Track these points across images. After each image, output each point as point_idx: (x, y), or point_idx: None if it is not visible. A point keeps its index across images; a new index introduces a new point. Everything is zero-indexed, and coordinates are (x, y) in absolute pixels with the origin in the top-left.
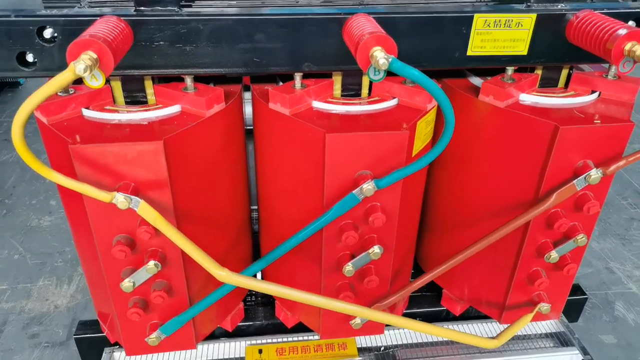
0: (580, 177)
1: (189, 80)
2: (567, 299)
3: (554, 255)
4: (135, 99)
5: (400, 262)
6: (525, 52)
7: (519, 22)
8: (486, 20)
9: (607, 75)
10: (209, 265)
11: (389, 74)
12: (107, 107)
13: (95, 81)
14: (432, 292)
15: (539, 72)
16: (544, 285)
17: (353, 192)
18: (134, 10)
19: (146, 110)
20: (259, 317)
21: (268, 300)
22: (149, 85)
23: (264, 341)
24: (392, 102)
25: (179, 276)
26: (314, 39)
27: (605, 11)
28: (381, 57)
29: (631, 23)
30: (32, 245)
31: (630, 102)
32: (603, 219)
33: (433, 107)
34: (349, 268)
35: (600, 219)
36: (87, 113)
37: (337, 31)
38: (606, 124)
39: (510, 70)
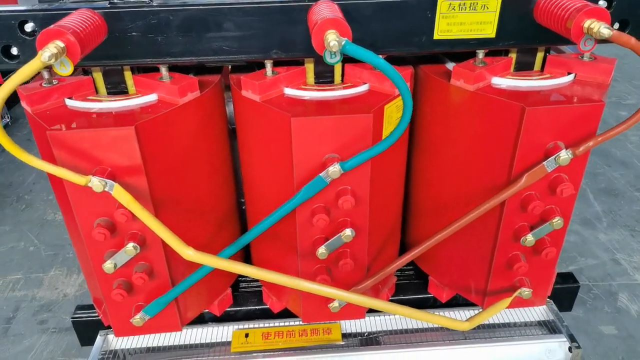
0: (550, 158)
1: (164, 70)
2: (559, 287)
3: (529, 238)
4: (117, 89)
5: (379, 246)
6: (493, 35)
7: (485, 5)
8: (450, 4)
9: (582, 57)
10: (176, 244)
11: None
12: (90, 97)
13: (64, 69)
14: (420, 279)
15: (512, 55)
16: (522, 270)
17: (320, 174)
18: (108, 3)
19: (125, 99)
20: (248, 302)
21: (258, 287)
22: (128, 76)
23: (251, 326)
24: (363, 88)
25: (159, 258)
26: (280, 27)
27: None
28: (333, 39)
29: (601, 3)
30: (47, 237)
31: (605, 82)
32: (613, 211)
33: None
34: (322, 251)
35: (609, 211)
36: (69, 102)
37: (303, 18)
38: (574, 104)
39: (480, 53)
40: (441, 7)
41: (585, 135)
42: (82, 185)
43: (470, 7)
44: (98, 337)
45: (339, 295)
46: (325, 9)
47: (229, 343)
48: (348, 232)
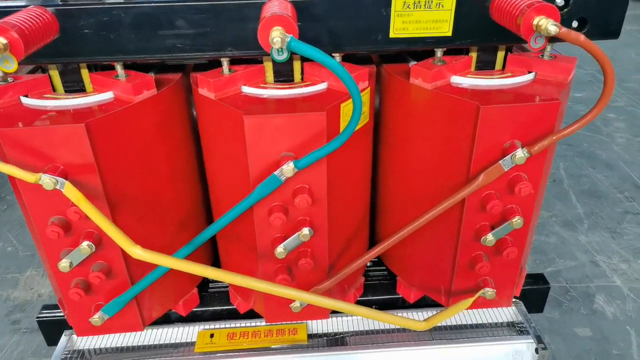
0: (507, 157)
1: (119, 68)
2: (529, 289)
3: (490, 238)
4: (75, 87)
5: (342, 245)
6: (449, 33)
7: (440, 3)
8: (405, 2)
9: (542, 56)
10: (124, 242)
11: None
12: (46, 95)
13: (8, 65)
14: (390, 280)
15: (473, 54)
16: (485, 270)
17: (274, 173)
18: (60, 0)
19: (79, 97)
20: (215, 303)
21: (225, 288)
22: (85, 74)
23: (217, 326)
24: (321, 86)
25: (116, 257)
26: (233, 24)
27: None
28: (276, 36)
29: (559, 1)
30: (26, 238)
31: (565, 81)
32: (595, 212)
33: (362, 90)
34: (280, 250)
35: (591, 212)
36: (24, 100)
37: (256, 15)
38: (529, 102)
39: (439, 52)
40: (396, 5)
41: (542, 134)
42: (32, 182)
43: (425, 5)
44: (62, 336)
45: (294, 295)
46: (275, 6)
47: (194, 343)
48: (306, 231)
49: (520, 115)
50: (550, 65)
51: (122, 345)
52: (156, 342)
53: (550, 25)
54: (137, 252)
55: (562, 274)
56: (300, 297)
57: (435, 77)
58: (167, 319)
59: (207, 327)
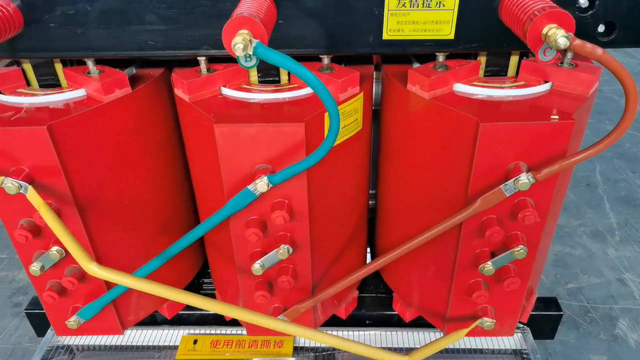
0: (509, 182)
1: (90, 64)
2: (539, 314)
3: (488, 267)
4: (48, 81)
5: (330, 260)
6: (451, 36)
7: (440, 2)
8: (400, 0)
9: (562, 63)
10: (80, 257)
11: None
12: (19, 90)
13: None
14: (386, 294)
15: (482, 58)
16: (483, 299)
17: (248, 187)
18: None
19: (50, 94)
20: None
21: (213, 291)
22: (59, 69)
23: (202, 332)
24: (307, 91)
25: None
26: (208, 20)
27: None
28: (239, 41)
29: (583, 1)
30: None
31: (585, 95)
32: (629, 224)
33: (351, 97)
34: (256, 266)
35: (625, 223)
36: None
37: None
38: (538, 121)
39: (440, 56)
40: (389, 3)
41: (553, 157)
42: None
43: (423, 4)
44: (49, 330)
45: (254, 320)
46: (247, 3)
47: (177, 347)
48: (284, 248)
49: (527, 134)
50: (569, 76)
51: (107, 344)
52: (140, 344)
53: (560, 37)
54: (93, 269)
55: (584, 291)
56: (260, 322)
57: (434, 85)
58: (153, 320)
59: (192, 331)
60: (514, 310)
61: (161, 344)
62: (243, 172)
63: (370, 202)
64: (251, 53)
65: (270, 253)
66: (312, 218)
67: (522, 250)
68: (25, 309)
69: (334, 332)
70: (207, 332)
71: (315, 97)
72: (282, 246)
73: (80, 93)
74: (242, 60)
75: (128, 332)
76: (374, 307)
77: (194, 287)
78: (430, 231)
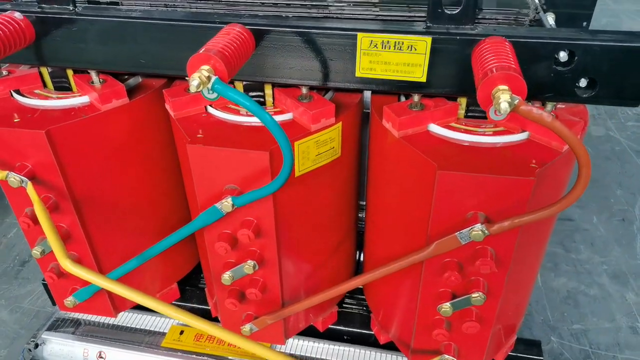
0: (464, 230)
1: (93, 74)
2: (517, 356)
3: (445, 307)
4: (61, 84)
5: (304, 277)
6: (423, 79)
7: (412, 45)
8: (372, 41)
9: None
10: (58, 252)
11: None
12: (36, 91)
13: None
14: (368, 312)
15: (462, 100)
16: (442, 337)
17: (215, 205)
18: (37, 7)
19: (58, 98)
20: (194, 299)
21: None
22: (69, 74)
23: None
24: (285, 117)
25: (84, 250)
26: (190, 47)
27: (522, 39)
28: (195, 77)
29: (563, 55)
30: None
31: (558, 149)
32: None
33: (325, 128)
34: (226, 277)
35: None
36: (16, 96)
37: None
38: (496, 174)
39: (416, 96)
40: (362, 42)
41: (513, 210)
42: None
43: (395, 46)
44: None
45: (209, 331)
46: (219, 37)
47: (164, 335)
48: (250, 263)
49: (486, 186)
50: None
51: (106, 322)
52: (134, 326)
53: (503, 102)
54: (67, 265)
55: (589, 334)
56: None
57: (404, 125)
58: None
59: (182, 322)
60: (478, 351)
61: (152, 329)
62: (214, 189)
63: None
64: (209, 88)
65: (239, 266)
66: (284, 237)
67: (479, 297)
68: (42, 280)
69: (308, 343)
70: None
71: (290, 123)
72: (248, 261)
73: (84, 100)
74: (204, 93)
75: (126, 314)
76: (353, 323)
77: (191, 280)
78: (394, 264)
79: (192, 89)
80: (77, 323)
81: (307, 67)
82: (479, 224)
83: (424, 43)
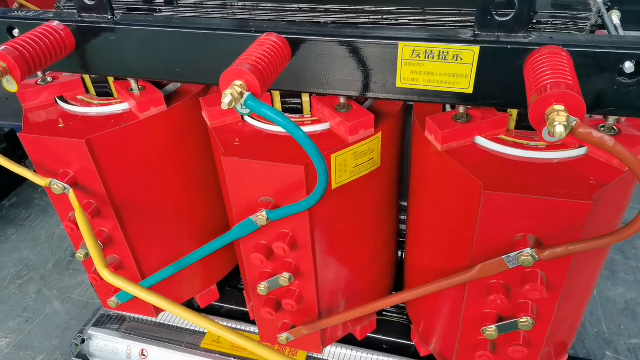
0: (512, 254)
1: (132, 82)
2: None
3: (490, 331)
4: (103, 90)
5: (342, 290)
6: (469, 91)
7: (457, 55)
8: (414, 50)
9: (602, 127)
10: (98, 262)
11: None
12: (79, 97)
13: (11, 86)
14: (408, 321)
15: (513, 111)
16: (485, 359)
17: (250, 217)
18: (77, 16)
19: (101, 105)
20: (233, 301)
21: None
22: (110, 80)
23: (229, 325)
24: (321, 127)
25: (126, 255)
26: (224, 56)
27: (581, 49)
28: (228, 94)
29: (629, 66)
30: None
31: (621, 168)
32: None
33: (363, 139)
34: (261, 287)
35: None
36: (60, 102)
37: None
38: (550, 196)
39: (461, 107)
40: (403, 52)
41: (567, 235)
42: (43, 186)
43: (439, 56)
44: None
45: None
46: (252, 49)
47: (204, 335)
48: (285, 275)
49: (537, 209)
50: None
51: (151, 320)
52: (176, 325)
53: (558, 125)
54: (106, 275)
55: None
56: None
57: (448, 138)
58: (190, 306)
59: (221, 323)
60: None
61: (193, 328)
62: (249, 200)
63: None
64: (242, 104)
65: (275, 277)
66: (321, 249)
67: (527, 323)
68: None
69: (346, 352)
70: (234, 326)
71: (327, 134)
72: (284, 274)
73: (123, 107)
74: (238, 108)
75: (170, 314)
76: (393, 333)
77: (231, 281)
78: (435, 284)
79: (224, 107)
80: (122, 319)
81: (345, 77)
82: (528, 249)
83: (471, 53)
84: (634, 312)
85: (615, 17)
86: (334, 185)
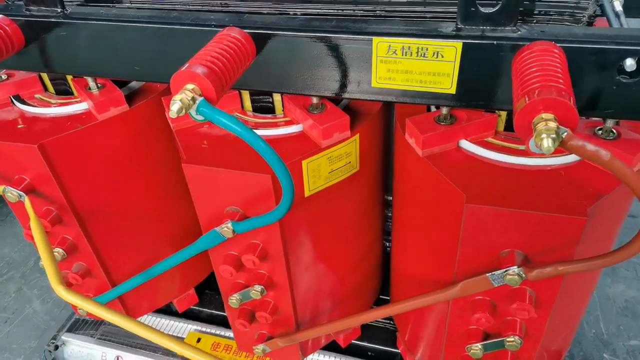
0: (497, 272)
1: (89, 80)
2: None
3: (475, 349)
4: (62, 88)
5: (321, 300)
6: (452, 91)
7: (438, 52)
8: (390, 46)
9: (600, 130)
10: (52, 277)
11: None
12: (37, 96)
13: None
14: (394, 328)
15: (502, 112)
16: None
17: (215, 229)
18: (25, 10)
19: (57, 105)
20: (212, 305)
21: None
22: (68, 78)
23: (209, 330)
24: (294, 129)
25: (93, 263)
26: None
27: (576, 44)
28: (177, 98)
29: (630, 63)
30: None
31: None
32: None
33: (338, 142)
34: (232, 300)
35: None
36: (16, 102)
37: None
38: (538, 210)
39: (444, 108)
40: (378, 48)
41: (558, 252)
42: None
43: (418, 52)
44: None
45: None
46: (210, 47)
47: (182, 339)
48: (257, 288)
49: (525, 224)
50: (607, 149)
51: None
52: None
53: (546, 139)
54: (60, 291)
55: None
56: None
57: (429, 143)
58: (169, 310)
59: (199, 328)
60: None
61: (171, 333)
62: (215, 210)
63: None
64: (194, 111)
65: (246, 290)
66: (295, 259)
67: (514, 343)
68: None
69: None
70: (213, 331)
71: (299, 137)
72: (255, 286)
73: (83, 107)
74: (192, 114)
75: (146, 317)
76: (377, 340)
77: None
78: (417, 300)
79: (172, 115)
80: (97, 323)
81: (315, 76)
82: (515, 267)
83: (452, 49)
84: (634, 312)
85: (617, 3)
86: (307, 193)
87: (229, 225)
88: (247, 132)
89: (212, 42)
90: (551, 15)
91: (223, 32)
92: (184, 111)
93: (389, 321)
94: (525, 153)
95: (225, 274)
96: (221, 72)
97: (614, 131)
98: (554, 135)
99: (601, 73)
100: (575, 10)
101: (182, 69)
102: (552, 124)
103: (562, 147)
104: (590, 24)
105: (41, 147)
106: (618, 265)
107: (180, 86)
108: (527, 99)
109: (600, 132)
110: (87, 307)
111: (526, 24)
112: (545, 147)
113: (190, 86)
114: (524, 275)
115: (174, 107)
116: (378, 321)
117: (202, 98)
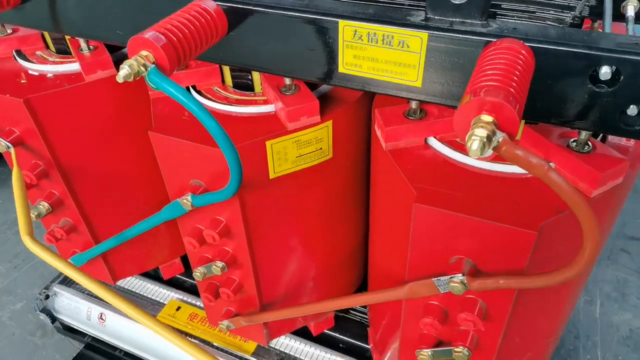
0: (444, 278)
1: (81, 41)
2: None
3: (423, 355)
4: (62, 47)
5: (279, 283)
6: (418, 84)
7: (403, 42)
8: (356, 31)
9: (573, 143)
10: (22, 226)
11: None
12: (37, 53)
13: None
14: (367, 324)
15: None
16: None
17: (177, 200)
18: None
19: (53, 63)
20: None
21: None
22: (66, 37)
23: (188, 300)
24: (266, 109)
25: (76, 218)
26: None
27: (546, 45)
28: (128, 64)
29: (605, 71)
30: None
31: (587, 192)
32: None
33: (307, 127)
34: (197, 273)
35: None
36: (17, 57)
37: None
38: (489, 218)
39: (413, 102)
40: (344, 32)
41: (510, 262)
42: None
43: (383, 40)
44: None
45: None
46: (171, 17)
47: (163, 305)
48: (218, 264)
49: (475, 231)
50: (574, 162)
51: (118, 285)
52: (138, 292)
53: (475, 141)
54: (27, 241)
55: None
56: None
57: (392, 136)
58: (158, 276)
59: (182, 297)
60: None
61: (154, 298)
62: (181, 180)
63: None
64: (146, 77)
65: (209, 264)
66: (261, 240)
67: (461, 353)
68: None
69: (298, 345)
70: (193, 302)
71: (269, 117)
72: (217, 262)
73: (75, 67)
74: (147, 80)
75: (134, 280)
76: (350, 333)
77: None
78: (371, 295)
79: (119, 79)
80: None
81: (284, 55)
82: (459, 275)
83: (418, 40)
84: (637, 343)
85: (630, 7)
86: (272, 175)
87: (189, 197)
88: (194, 104)
89: (180, 11)
90: (533, 12)
91: (195, 1)
92: (132, 77)
93: (365, 316)
94: (496, 158)
95: (189, 246)
96: (179, 42)
97: (590, 144)
98: (484, 139)
99: (572, 79)
100: (562, 10)
101: (140, 34)
102: (487, 127)
103: (497, 153)
104: (577, 25)
105: (27, 102)
106: (629, 292)
107: (135, 51)
108: (471, 96)
109: (574, 143)
110: (49, 260)
111: (500, 19)
112: (474, 149)
113: (144, 53)
114: (467, 285)
115: (122, 72)
116: (354, 314)
117: (153, 66)
